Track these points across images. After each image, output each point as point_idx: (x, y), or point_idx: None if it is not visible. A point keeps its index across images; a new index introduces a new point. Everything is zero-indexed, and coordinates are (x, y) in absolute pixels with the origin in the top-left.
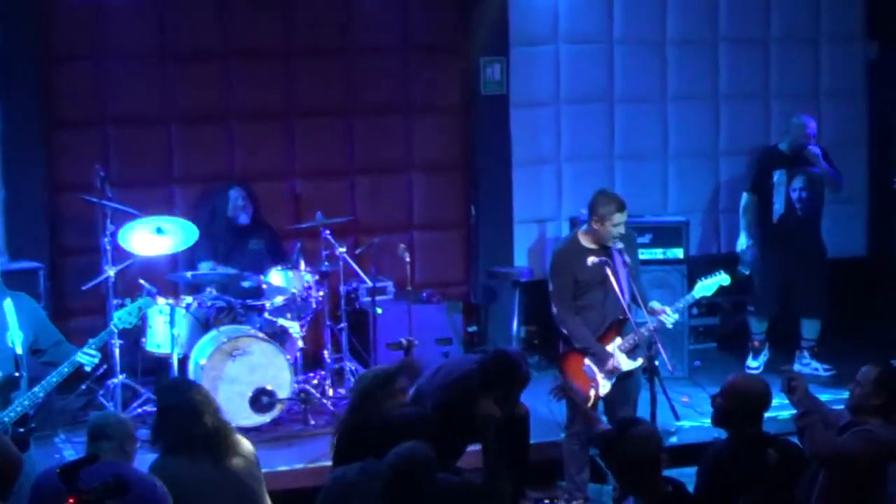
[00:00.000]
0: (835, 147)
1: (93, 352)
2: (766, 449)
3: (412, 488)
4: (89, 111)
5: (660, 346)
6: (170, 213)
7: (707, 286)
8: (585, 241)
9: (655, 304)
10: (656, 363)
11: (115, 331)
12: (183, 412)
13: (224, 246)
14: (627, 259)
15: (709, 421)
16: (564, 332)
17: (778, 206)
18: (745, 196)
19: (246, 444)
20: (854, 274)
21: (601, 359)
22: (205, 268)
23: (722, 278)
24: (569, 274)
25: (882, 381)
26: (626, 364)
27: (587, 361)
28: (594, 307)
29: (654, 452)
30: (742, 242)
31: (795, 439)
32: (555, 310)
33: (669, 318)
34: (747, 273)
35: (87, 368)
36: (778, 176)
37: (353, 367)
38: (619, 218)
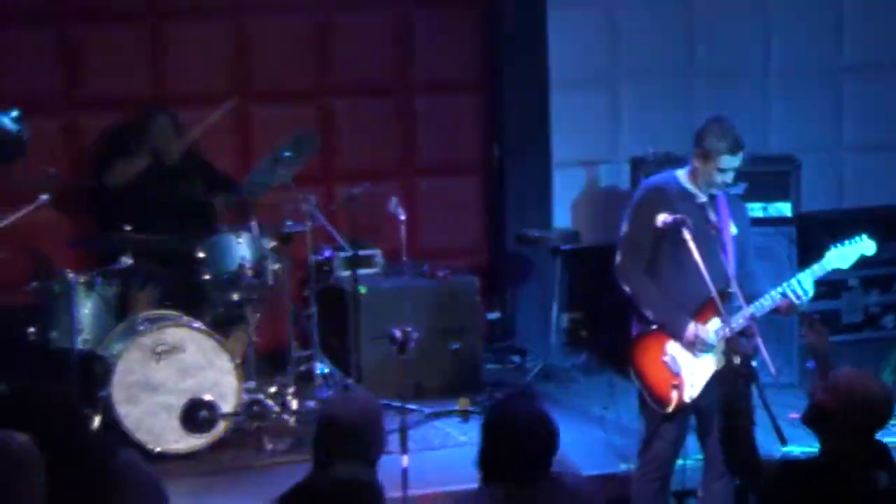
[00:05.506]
0: None
1: None
2: (876, 471)
3: None
4: None
5: (759, 340)
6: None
7: (843, 255)
8: (688, 183)
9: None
10: (753, 364)
11: None
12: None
13: (145, 197)
14: (748, 213)
15: None
16: (626, 290)
17: None
18: None
19: (136, 463)
20: None
21: (676, 330)
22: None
23: (864, 245)
24: (653, 215)
25: None
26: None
27: (670, 350)
28: (695, 272)
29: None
30: None
31: None
32: (618, 259)
33: (804, 294)
34: None
35: None
36: None
37: (325, 370)
38: (729, 161)
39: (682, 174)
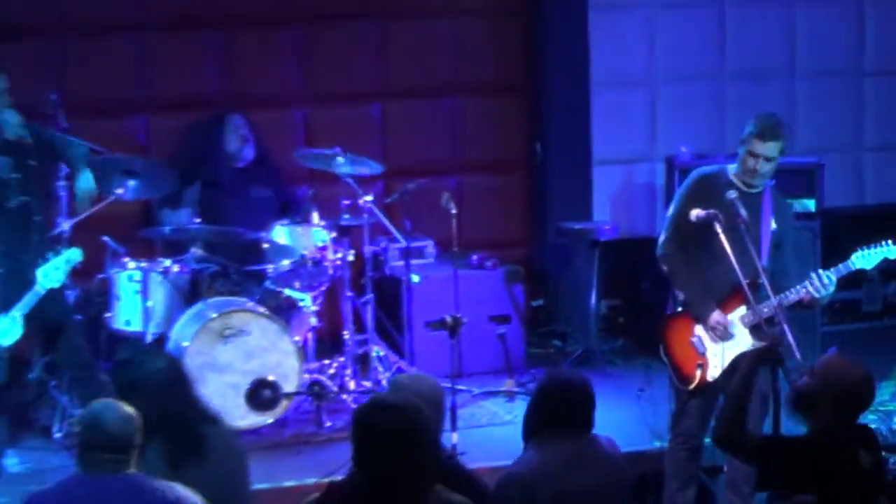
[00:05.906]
0: None
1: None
2: (858, 449)
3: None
4: (40, 15)
5: (785, 326)
6: (143, 149)
7: (868, 257)
8: (734, 177)
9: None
10: (779, 349)
11: (42, 292)
12: (146, 392)
13: (217, 195)
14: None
15: None
16: (664, 269)
17: None
18: None
19: (229, 437)
20: None
21: (700, 313)
22: (186, 221)
23: (889, 249)
24: (697, 202)
25: None
26: (745, 341)
27: (698, 331)
28: (726, 262)
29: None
30: None
31: None
32: (661, 238)
33: (823, 288)
34: None
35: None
36: None
37: (380, 352)
38: (759, 147)
39: (732, 168)
